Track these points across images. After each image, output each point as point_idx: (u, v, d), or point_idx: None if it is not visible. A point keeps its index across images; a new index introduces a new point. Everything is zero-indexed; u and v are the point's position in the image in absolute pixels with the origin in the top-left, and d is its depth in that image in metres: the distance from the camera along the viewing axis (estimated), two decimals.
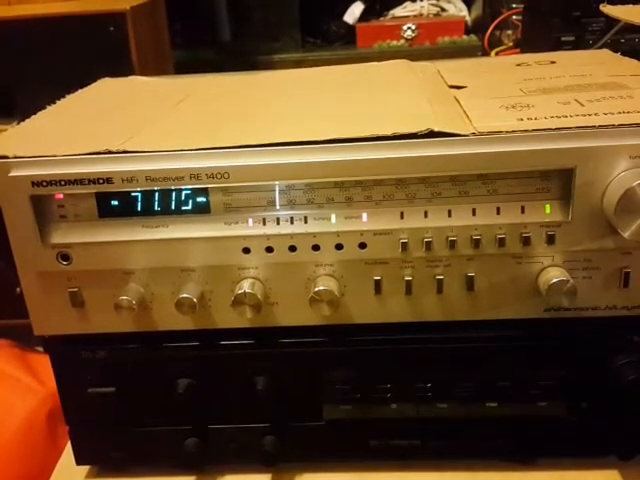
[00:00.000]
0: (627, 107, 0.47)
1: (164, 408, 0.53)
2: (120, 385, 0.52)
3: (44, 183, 0.46)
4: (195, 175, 0.46)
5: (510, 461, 0.54)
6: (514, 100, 0.51)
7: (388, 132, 0.45)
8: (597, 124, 0.44)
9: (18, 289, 0.50)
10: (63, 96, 0.62)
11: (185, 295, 0.48)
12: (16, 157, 0.46)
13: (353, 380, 0.51)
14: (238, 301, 0.48)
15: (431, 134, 0.45)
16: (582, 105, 0.48)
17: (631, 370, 0.48)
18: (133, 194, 0.48)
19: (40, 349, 0.89)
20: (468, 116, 0.48)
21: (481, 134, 0.45)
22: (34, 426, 0.79)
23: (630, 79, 0.54)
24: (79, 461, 0.55)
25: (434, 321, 0.50)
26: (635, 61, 0.62)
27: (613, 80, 0.54)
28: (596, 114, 0.46)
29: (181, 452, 0.53)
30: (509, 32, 1.42)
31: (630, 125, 0.44)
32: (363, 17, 1.81)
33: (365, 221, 0.47)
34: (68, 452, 0.56)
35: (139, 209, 0.48)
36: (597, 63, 0.62)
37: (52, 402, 0.79)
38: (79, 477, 0.56)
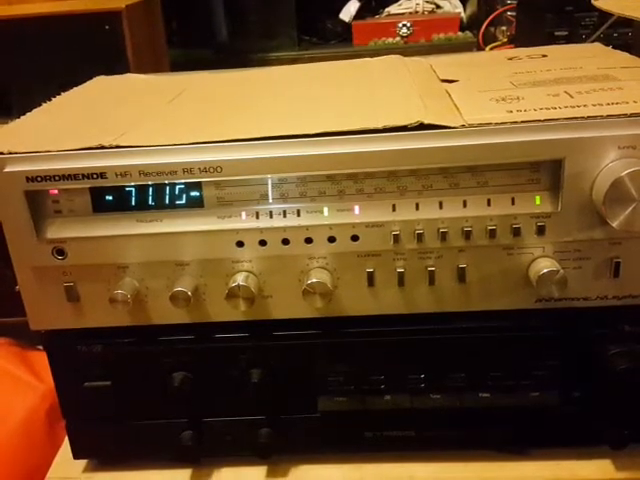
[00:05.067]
0: (616, 98, 0.47)
1: (160, 401, 0.53)
2: (116, 379, 0.52)
3: (38, 178, 0.46)
4: (188, 169, 0.46)
5: (504, 451, 0.54)
6: (504, 93, 0.51)
7: (379, 125, 0.46)
8: (586, 115, 0.45)
9: (17, 287, 0.51)
10: (59, 94, 0.63)
11: (179, 289, 0.48)
12: (10, 153, 0.46)
13: (347, 372, 0.52)
14: (232, 294, 0.48)
15: (421, 127, 0.45)
16: (571, 97, 0.49)
17: (622, 360, 0.49)
18: (127, 189, 0.48)
19: (40, 347, 0.89)
20: (458, 109, 0.49)
21: (471, 126, 0.45)
22: (34, 423, 0.79)
23: (620, 71, 0.55)
24: (76, 455, 0.56)
25: (426, 312, 0.50)
26: (626, 54, 0.62)
27: (603, 72, 0.54)
28: (585, 105, 0.46)
29: (177, 445, 0.53)
30: (503, 28, 1.42)
31: (619, 116, 0.44)
32: (359, 15, 1.81)
33: (357, 214, 0.48)
34: (66, 446, 0.57)
35: (133, 204, 0.48)
36: (588, 56, 0.62)
37: (51, 399, 0.79)
38: (76, 471, 0.56)
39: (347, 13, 1.81)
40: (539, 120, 0.45)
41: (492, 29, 1.49)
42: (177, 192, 0.48)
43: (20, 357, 0.87)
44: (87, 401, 0.53)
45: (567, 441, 0.54)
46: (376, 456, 0.55)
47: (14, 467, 0.76)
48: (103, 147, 0.47)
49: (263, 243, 0.48)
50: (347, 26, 1.80)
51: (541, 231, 0.47)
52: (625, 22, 0.97)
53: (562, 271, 0.46)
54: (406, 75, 0.61)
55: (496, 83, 0.54)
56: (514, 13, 1.36)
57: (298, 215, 0.48)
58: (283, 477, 0.54)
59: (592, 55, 0.63)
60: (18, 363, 0.85)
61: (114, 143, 0.47)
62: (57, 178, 0.47)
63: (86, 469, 0.57)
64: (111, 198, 0.48)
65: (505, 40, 1.41)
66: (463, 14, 1.75)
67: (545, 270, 0.46)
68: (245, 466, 0.55)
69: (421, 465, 0.54)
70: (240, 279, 0.48)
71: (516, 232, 0.47)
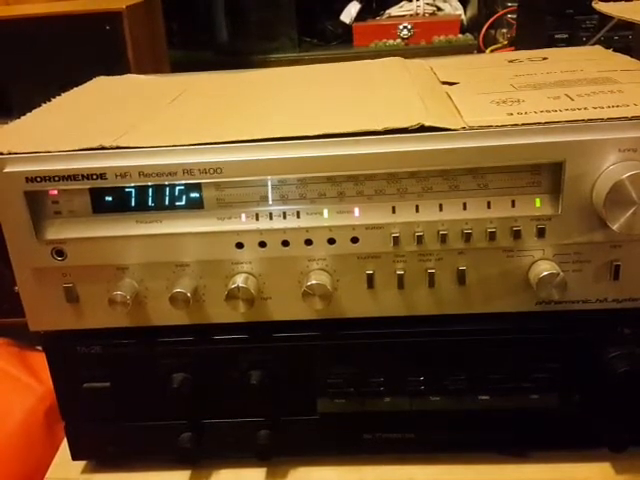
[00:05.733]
0: (617, 101, 0.47)
1: (159, 403, 0.53)
2: (115, 380, 0.52)
3: (38, 179, 0.46)
4: (188, 170, 0.46)
5: (504, 454, 0.54)
6: (505, 95, 0.51)
7: (379, 127, 0.46)
8: (586, 118, 0.45)
9: (16, 288, 0.51)
10: (59, 95, 0.63)
11: (179, 290, 0.48)
12: (10, 153, 0.46)
13: (347, 374, 0.52)
14: (232, 295, 0.48)
15: (422, 129, 0.45)
16: (572, 99, 0.49)
17: (622, 362, 0.49)
18: (127, 190, 0.48)
19: (39, 348, 0.89)
20: (459, 111, 0.49)
21: (471, 128, 0.45)
22: (33, 424, 0.79)
23: (621, 74, 0.55)
24: (75, 456, 0.56)
25: (426, 315, 0.50)
26: (626, 57, 0.62)
27: (604, 75, 0.55)
28: (585, 108, 0.46)
29: (176, 446, 0.53)
30: (504, 30, 1.43)
31: (619, 119, 0.44)
32: (359, 16, 1.81)
33: (357, 216, 0.48)
34: (64, 447, 0.57)
35: (133, 204, 0.48)
36: (588, 59, 0.62)
37: (50, 400, 0.79)
38: (75, 472, 0.56)
39: (348, 15, 1.81)
40: (539, 123, 0.45)
41: (492, 32, 1.49)
42: (177, 193, 0.48)
43: (19, 358, 0.87)
44: (86, 402, 0.53)
45: (567, 444, 0.54)
46: (375, 458, 0.55)
47: (13, 468, 0.75)
48: (103, 148, 0.46)
49: (263, 245, 0.48)
50: (348, 28, 1.81)
51: (541, 234, 0.47)
52: (626, 25, 0.97)
53: (562, 274, 0.46)
54: (407, 77, 0.61)
55: (497, 85, 0.54)
56: (515, 16, 1.37)
57: (298, 217, 0.48)
58: (282, 478, 0.54)
59: (593, 58, 0.63)
60: (17, 364, 0.85)
61: (114, 144, 0.47)
62: (57, 179, 0.47)
63: (85, 470, 0.56)
64: (111, 199, 0.48)
65: (505, 43, 1.42)
66: (464, 16, 1.76)
67: (545, 273, 0.46)
68: (244, 468, 0.55)
69: (420, 467, 0.54)
70: (240, 280, 0.48)
71: (516, 235, 0.47)
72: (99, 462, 0.57)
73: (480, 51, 1.50)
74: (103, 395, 0.52)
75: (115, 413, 0.54)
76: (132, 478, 0.55)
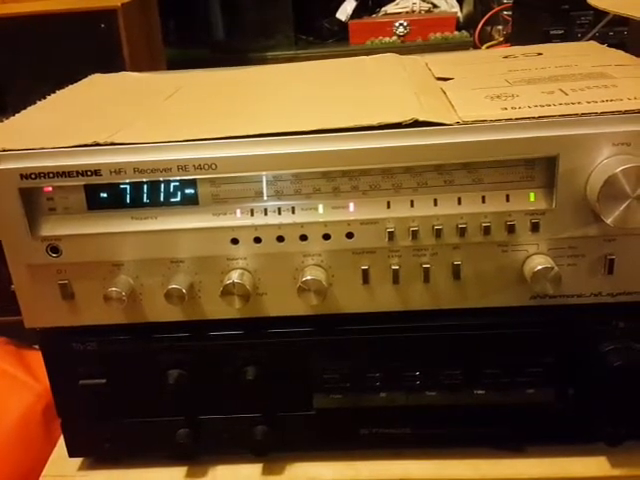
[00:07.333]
0: (610, 95, 0.47)
1: (155, 399, 0.53)
2: (111, 377, 0.52)
3: (33, 176, 0.46)
4: (183, 166, 0.46)
5: (500, 449, 0.54)
6: (499, 90, 0.51)
7: (374, 122, 0.46)
8: (580, 112, 0.45)
9: (12, 286, 0.51)
10: (54, 92, 0.63)
11: (174, 286, 0.48)
12: (4, 150, 0.46)
13: (343, 369, 0.52)
14: (227, 291, 0.48)
15: (416, 124, 0.45)
16: (566, 94, 0.49)
17: (617, 356, 0.49)
18: (122, 186, 0.48)
19: (36, 346, 0.89)
20: (453, 106, 0.49)
21: (465, 123, 0.45)
22: (30, 422, 0.79)
23: (615, 69, 0.55)
24: (71, 453, 0.56)
25: (422, 310, 0.50)
26: (621, 52, 0.62)
27: (598, 70, 0.55)
28: (579, 103, 0.46)
29: (173, 443, 0.53)
30: (499, 27, 1.43)
31: (613, 113, 0.45)
32: (355, 14, 1.81)
33: (352, 211, 0.48)
34: (61, 444, 0.57)
35: (128, 201, 0.48)
36: (583, 54, 0.63)
37: (48, 398, 0.79)
38: (72, 469, 0.56)
39: (344, 12, 1.81)
40: (533, 117, 0.45)
41: (488, 28, 1.49)
42: (172, 189, 0.48)
43: (17, 356, 0.87)
44: (82, 399, 0.53)
45: (563, 438, 0.54)
46: (372, 453, 0.55)
47: (10, 466, 0.75)
48: (98, 144, 0.46)
49: (258, 240, 0.48)
50: (344, 25, 1.81)
51: (535, 228, 0.47)
52: (621, 21, 0.97)
53: (556, 268, 0.46)
54: (401, 73, 0.61)
55: (491, 81, 0.54)
56: (510, 12, 1.37)
57: (293, 212, 0.48)
58: (279, 474, 0.54)
59: (587, 53, 0.63)
60: (14, 362, 0.85)
61: (109, 140, 0.47)
62: (51, 175, 0.46)
63: (81, 467, 0.56)
64: (105, 195, 0.48)
65: (501, 39, 1.42)
66: (459, 13, 1.76)
67: (539, 267, 0.46)
68: (241, 464, 0.55)
69: (416, 462, 0.54)
70: (235, 276, 0.48)
71: (510, 229, 0.47)
72: (96, 459, 0.57)
73: (476, 48, 1.50)
74: (99, 392, 0.52)
75: (111, 410, 0.54)
76: (129, 475, 0.55)
